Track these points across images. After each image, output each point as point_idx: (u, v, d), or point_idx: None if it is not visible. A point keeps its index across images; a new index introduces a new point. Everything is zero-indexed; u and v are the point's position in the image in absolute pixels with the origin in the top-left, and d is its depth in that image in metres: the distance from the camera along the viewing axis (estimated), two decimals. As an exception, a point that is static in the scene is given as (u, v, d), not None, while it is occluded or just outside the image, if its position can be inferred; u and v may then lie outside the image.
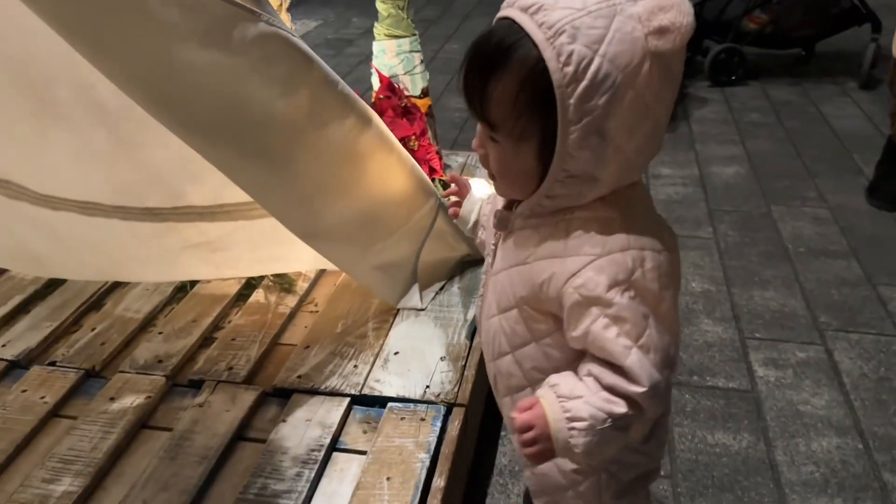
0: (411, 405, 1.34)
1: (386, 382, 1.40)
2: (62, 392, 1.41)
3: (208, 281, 1.72)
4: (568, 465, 0.89)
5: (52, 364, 1.49)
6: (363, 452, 1.26)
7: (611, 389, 0.72)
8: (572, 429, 0.72)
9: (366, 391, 1.38)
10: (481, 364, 1.47)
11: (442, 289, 1.67)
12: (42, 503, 1.17)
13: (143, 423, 1.35)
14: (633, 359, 0.71)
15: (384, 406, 1.35)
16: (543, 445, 0.73)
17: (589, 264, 0.72)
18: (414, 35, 2.09)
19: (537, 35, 0.65)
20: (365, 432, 1.31)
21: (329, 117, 1.34)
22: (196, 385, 1.43)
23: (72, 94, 1.25)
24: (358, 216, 1.46)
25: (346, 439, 1.30)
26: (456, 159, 2.30)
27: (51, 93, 1.24)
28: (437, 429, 1.29)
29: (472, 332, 1.53)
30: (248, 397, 1.38)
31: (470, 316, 1.57)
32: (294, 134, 1.30)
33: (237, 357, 1.48)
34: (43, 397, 1.39)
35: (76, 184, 1.42)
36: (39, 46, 1.19)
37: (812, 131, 2.96)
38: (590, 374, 0.74)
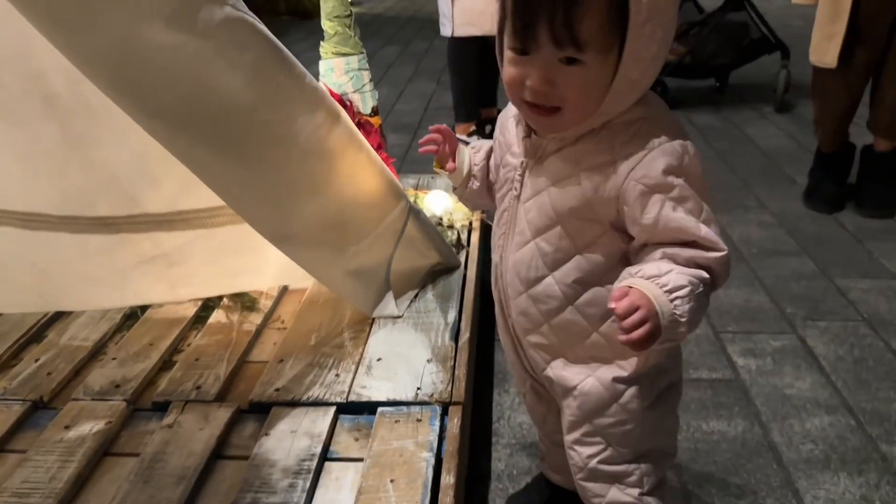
0: (404, 408, 1.25)
1: (373, 388, 1.30)
2: (7, 426, 1.25)
3: (160, 305, 1.59)
4: (611, 374, 0.90)
5: (-7, 397, 1.32)
6: (359, 459, 1.16)
7: (690, 262, 0.77)
8: (675, 299, 0.73)
9: (352, 398, 1.28)
10: (471, 364, 1.40)
11: (416, 296, 1.59)
12: (-4, 541, 1.02)
13: (106, 450, 1.20)
14: (704, 230, 0.77)
15: (374, 412, 1.25)
16: (652, 323, 0.72)
17: (645, 157, 0.77)
18: (362, 53, 2.06)
19: None
20: (357, 440, 1.21)
21: (298, 110, 1.28)
22: (161, 408, 1.29)
23: (21, 84, 1.14)
24: (330, 218, 1.39)
25: (338, 448, 1.19)
26: (408, 181, 2.25)
27: (-3, 82, 1.14)
28: (437, 428, 1.20)
29: (457, 334, 1.46)
30: (222, 414, 1.26)
31: (451, 319, 1.50)
32: (262, 126, 1.23)
33: (204, 376, 1.36)
34: (-16, 433, 1.23)
35: (20, 192, 1.29)
36: (-16, 30, 1.09)
37: (740, 150, 3.07)
38: (664, 257, 0.77)
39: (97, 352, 1.47)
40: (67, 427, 1.23)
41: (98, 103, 1.19)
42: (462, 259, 1.75)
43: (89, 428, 1.23)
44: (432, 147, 1.02)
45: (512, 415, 1.50)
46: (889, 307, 1.85)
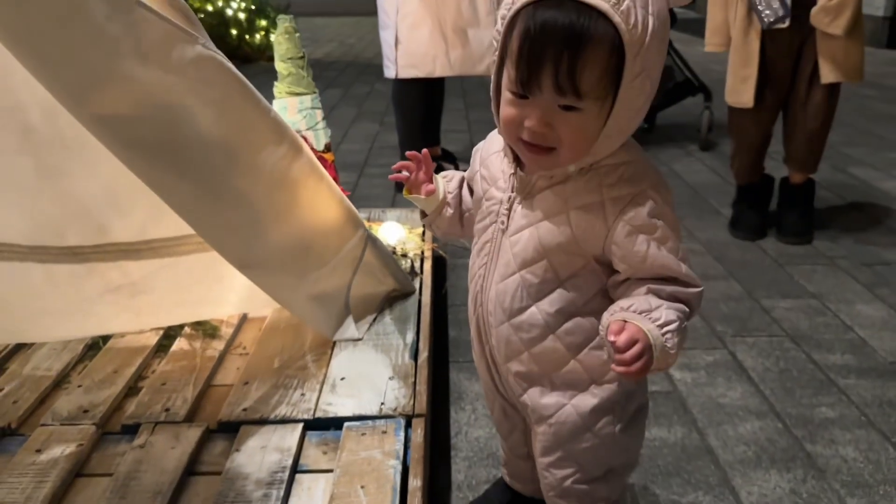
0: (369, 422, 1.32)
1: (338, 405, 1.37)
2: (-25, 453, 1.26)
3: (122, 335, 1.62)
4: (586, 402, 0.95)
5: (-42, 426, 1.33)
6: (329, 470, 1.22)
7: (672, 297, 0.84)
8: (666, 333, 0.80)
9: (319, 414, 1.34)
10: (430, 380, 1.48)
11: (375, 320, 1.67)
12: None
13: (78, 471, 1.23)
14: (684, 268, 0.85)
15: (340, 427, 1.32)
16: (648, 355, 0.79)
17: (632, 200, 0.84)
18: (314, 93, 2.15)
19: (602, 6, 0.73)
20: (325, 453, 1.27)
21: (263, 143, 1.36)
22: (131, 430, 1.33)
23: (-1, 116, 1.19)
24: (292, 245, 1.46)
25: (307, 462, 1.25)
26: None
27: (-24, 116, 1.18)
28: (402, 438, 1.27)
29: (415, 354, 1.53)
30: (192, 434, 1.30)
31: (409, 340, 1.58)
32: (230, 157, 1.31)
33: (171, 399, 1.40)
34: (-47, 459, 1.24)
35: (-10, 223, 1.33)
36: (-34, 66, 1.14)
37: (670, 185, 3.26)
38: (649, 292, 0.84)
39: (61, 380, 1.49)
40: (38, 451, 1.26)
41: (72, 136, 1.26)
42: (416, 285, 1.84)
43: (60, 451, 1.26)
44: (403, 175, 1.06)
45: (469, 430, 1.58)
46: (809, 323, 2.01)
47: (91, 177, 1.28)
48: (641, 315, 0.81)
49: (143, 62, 1.14)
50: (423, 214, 1.13)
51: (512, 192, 0.93)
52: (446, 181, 1.10)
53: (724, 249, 2.53)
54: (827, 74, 2.33)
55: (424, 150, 1.06)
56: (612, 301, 0.92)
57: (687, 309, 0.85)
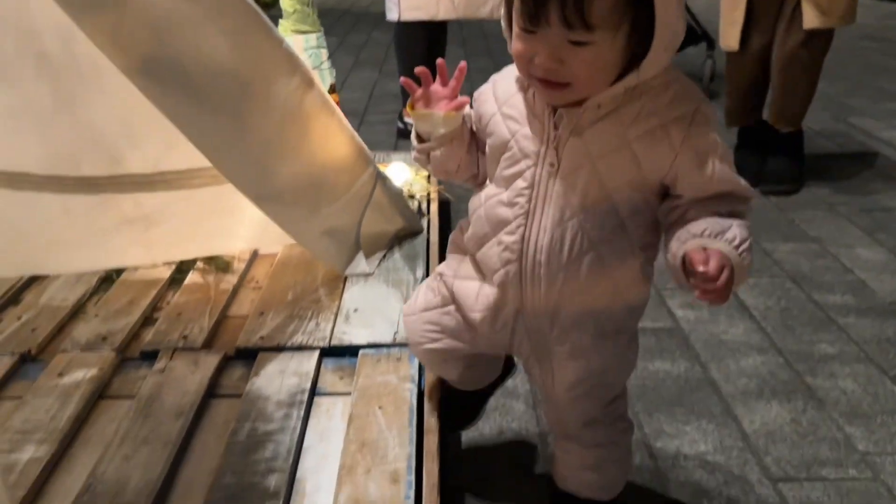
0: (384, 349, 1.35)
1: (353, 333, 1.40)
2: (-2, 376, 1.29)
3: (135, 269, 1.64)
4: (619, 335, 0.98)
5: (-20, 352, 1.36)
6: (346, 393, 1.25)
7: (732, 213, 0.84)
8: (742, 252, 0.81)
9: (335, 342, 1.37)
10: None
11: (385, 256, 1.69)
12: (7, 472, 1.06)
13: (101, 394, 1.26)
14: (737, 177, 0.85)
15: (355, 355, 1.35)
16: (728, 273, 0.79)
17: (693, 121, 0.82)
18: (320, 31, 2.14)
19: None
20: (342, 378, 1.30)
21: (276, 74, 1.36)
22: (149, 357, 1.35)
23: (15, 43, 1.19)
24: (305, 179, 1.47)
25: (325, 385, 1.29)
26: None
27: (-7, 40, 1.18)
28: (416, 365, 1.30)
29: (425, 288, 1.56)
30: (211, 359, 1.33)
31: (419, 275, 1.60)
32: (243, 87, 1.32)
33: (189, 328, 1.42)
34: (-24, 381, 1.27)
35: (7, 151, 1.33)
36: (-17, -10, 1.14)
37: (671, 133, 3.27)
38: (713, 214, 0.84)
39: (78, 310, 1.52)
40: (60, 375, 1.29)
41: (88, 63, 1.26)
42: (424, 225, 1.85)
43: (82, 374, 1.28)
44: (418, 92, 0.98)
45: (477, 363, 1.61)
46: (810, 266, 2.05)
47: (106, 105, 1.28)
48: (717, 238, 0.81)
49: (163, -10, 1.14)
50: (419, 140, 1.02)
51: (555, 129, 0.86)
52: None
53: (725, 195, 2.55)
54: (810, 19, 2.28)
55: (440, 60, 0.97)
56: (658, 234, 0.92)
57: (749, 220, 0.85)
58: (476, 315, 1.00)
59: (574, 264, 0.89)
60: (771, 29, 2.43)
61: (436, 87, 0.98)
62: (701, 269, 0.78)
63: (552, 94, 0.82)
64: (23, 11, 1.15)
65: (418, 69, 0.97)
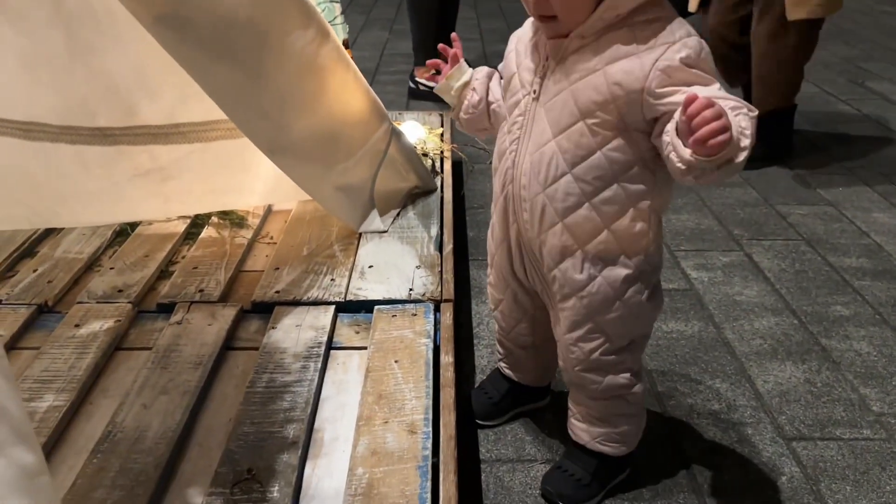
0: (399, 305, 1.35)
1: (368, 289, 1.40)
2: (16, 326, 1.29)
3: (150, 223, 1.64)
4: (619, 274, 0.97)
5: (-2, 303, 1.36)
6: (362, 347, 1.25)
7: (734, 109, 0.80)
8: (738, 113, 0.78)
9: (350, 298, 1.37)
10: (456, 269, 1.51)
11: (399, 214, 1.68)
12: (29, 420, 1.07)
13: (118, 345, 1.27)
14: (731, 98, 0.82)
15: (370, 310, 1.35)
16: (725, 122, 0.76)
17: (668, 49, 0.84)
18: (334, -15, 2.10)
19: None
20: (357, 332, 1.31)
21: (292, 25, 1.34)
22: (166, 309, 1.36)
23: (30, -12, 1.17)
24: (320, 132, 1.46)
25: (341, 339, 1.29)
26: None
27: (8, -15, 1.16)
28: (431, 321, 1.30)
29: (440, 245, 1.55)
30: (228, 312, 1.33)
31: (434, 233, 1.60)
32: (260, 38, 1.29)
33: (205, 281, 1.43)
34: (-5, 330, 1.28)
35: (22, 100, 1.31)
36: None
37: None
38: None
39: (93, 263, 1.52)
40: (77, 325, 1.29)
41: (103, 10, 1.24)
42: (437, 184, 1.84)
43: (99, 326, 1.29)
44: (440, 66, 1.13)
45: (489, 321, 1.61)
46: (825, 228, 2.03)
47: (121, 55, 1.27)
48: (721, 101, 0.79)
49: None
50: (452, 109, 1.15)
51: (546, 60, 0.94)
52: (476, 71, 1.12)
53: (740, 159, 2.53)
54: (791, 10, 2.13)
55: (454, 34, 1.10)
56: (652, 172, 0.93)
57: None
58: (493, 249, 1.12)
59: (552, 189, 0.95)
60: (733, 8, 2.34)
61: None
62: (688, 104, 0.76)
63: (545, 26, 0.91)
64: (36, -44, 1.13)
65: (440, 46, 1.12)
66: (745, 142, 0.78)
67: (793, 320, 1.63)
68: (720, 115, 0.76)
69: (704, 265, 1.86)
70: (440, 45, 1.12)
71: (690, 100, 0.76)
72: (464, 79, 1.12)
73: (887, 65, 3.64)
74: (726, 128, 0.76)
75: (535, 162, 0.95)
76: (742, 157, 0.79)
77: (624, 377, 1.06)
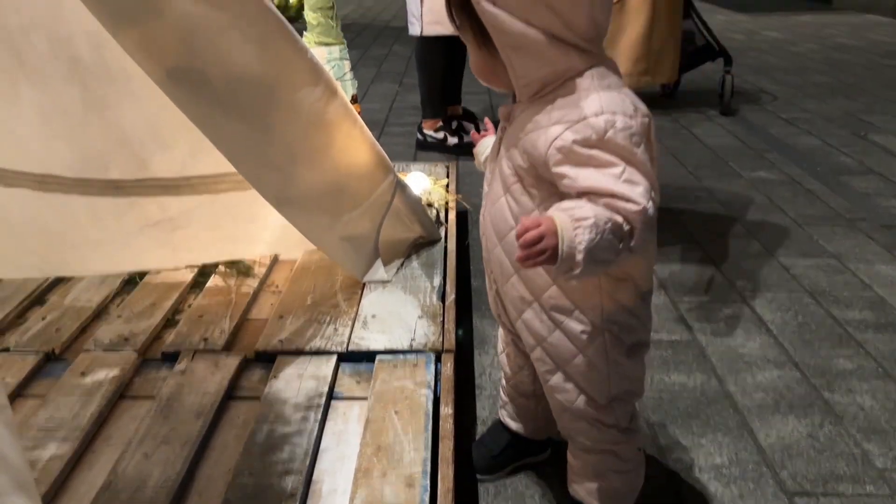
0: (400, 355, 1.36)
1: (370, 339, 1.41)
2: (23, 374, 1.31)
3: (158, 272, 1.67)
4: (575, 328, 0.98)
5: (6, 350, 1.38)
6: (363, 398, 1.26)
7: (608, 206, 0.82)
8: (578, 226, 0.80)
9: (352, 347, 1.39)
10: (460, 319, 1.52)
11: (402, 264, 1.71)
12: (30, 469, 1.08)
13: (122, 393, 1.29)
14: (622, 186, 0.83)
15: (372, 360, 1.36)
16: (547, 242, 0.80)
17: (567, 129, 0.85)
18: (343, 43, 2.17)
19: None
20: (358, 382, 1.32)
21: (301, 82, 1.38)
22: (170, 358, 1.38)
23: (49, 46, 1.22)
24: (327, 185, 1.50)
25: (342, 390, 1.30)
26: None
27: (28, 43, 1.21)
28: (432, 371, 1.32)
29: (442, 295, 1.57)
30: (231, 362, 1.35)
31: (437, 283, 1.62)
32: (269, 94, 1.34)
33: (209, 330, 1.45)
34: (3, 378, 1.29)
35: (38, 154, 1.36)
36: (21, -6, 1.17)
37: (689, 148, 3.28)
38: (588, 199, 0.84)
39: (101, 311, 1.54)
40: (83, 374, 1.31)
41: (118, 68, 1.29)
42: (442, 234, 1.87)
43: (104, 374, 1.31)
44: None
45: (492, 371, 1.62)
46: (828, 281, 2.04)
47: (135, 110, 1.31)
48: (564, 210, 0.82)
49: (193, -2, 1.16)
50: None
51: (505, 121, 0.99)
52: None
53: (743, 210, 2.55)
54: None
55: (487, 120, 1.18)
56: None
57: (619, 219, 0.82)
58: (488, 290, 1.12)
59: (505, 243, 0.98)
60: None
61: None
62: (519, 228, 0.81)
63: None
64: (57, 16, 1.18)
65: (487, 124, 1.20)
66: (579, 256, 0.80)
67: (795, 373, 1.63)
68: (542, 237, 0.80)
69: (707, 317, 1.86)
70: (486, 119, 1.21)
71: (522, 226, 0.81)
72: (484, 157, 1.16)
73: (890, 117, 3.68)
74: (547, 248, 0.80)
75: (493, 216, 1.00)
76: (582, 267, 0.81)
77: (611, 432, 1.06)
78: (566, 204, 0.84)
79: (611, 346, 0.99)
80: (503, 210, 0.97)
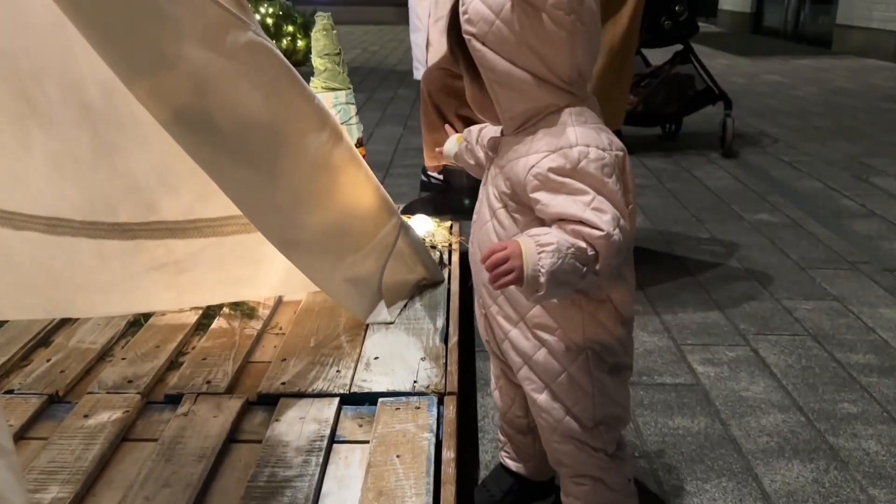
0: (403, 398, 1.37)
1: (373, 381, 1.41)
2: (26, 416, 1.32)
3: (163, 314, 1.68)
4: (558, 346, 1.01)
5: (10, 392, 1.39)
6: (364, 441, 1.26)
7: (574, 232, 0.88)
8: (542, 251, 0.86)
9: (354, 390, 1.39)
10: (461, 361, 1.52)
11: (406, 306, 1.72)
12: (31, 511, 1.08)
13: (125, 436, 1.29)
14: (589, 213, 0.88)
15: (374, 403, 1.36)
16: (512, 263, 0.86)
17: (544, 158, 0.91)
18: (349, 88, 2.21)
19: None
20: (361, 426, 1.32)
21: (308, 128, 1.41)
22: (174, 400, 1.38)
23: (60, 92, 1.25)
24: (331, 227, 1.51)
25: (344, 433, 1.30)
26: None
27: (40, 89, 1.24)
28: (434, 414, 1.32)
29: (446, 338, 1.58)
30: (233, 405, 1.35)
31: (440, 325, 1.62)
32: (276, 139, 1.36)
33: (213, 372, 1.45)
34: (7, 421, 1.29)
35: (47, 197, 1.38)
36: (33, 41, 1.20)
37: (691, 190, 3.30)
38: (557, 226, 0.90)
39: (105, 353, 1.55)
40: (86, 416, 1.31)
41: (128, 114, 1.32)
42: (445, 276, 1.88)
43: (107, 416, 1.31)
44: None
45: (495, 414, 1.61)
46: (831, 324, 2.04)
47: (144, 155, 1.34)
48: (531, 236, 0.88)
49: (200, 44, 1.20)
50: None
51: (494, 147, 1.05)
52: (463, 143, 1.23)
53: (746, 252, 2.56)
54: None
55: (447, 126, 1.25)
56: None
57: (583, 245, 0.87)
58: (476, 315, 1.16)
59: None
60: None
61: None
62: (485, 252, 0.88)
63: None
64: (69, 63, 1.21)
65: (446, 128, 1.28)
66: (542, 279, 0.86)
67: (800, 417, 1.62)
68: (508, 259, 0.86)
69: (710, 360, 1.86)
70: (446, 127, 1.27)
71: (489, 249, 0.87)
72: (454, 145, 1.23)
73: (891, 161, 3.71)
74: (512, 269, 0.86)
75: (480, 240, 1.05)
76: (545, 289, 0.86)
77: (599, 457, 1.07)
78: (534, 231, 0.90)
79: (593, 364, 1.03)
80: (489, 233, 1.02)
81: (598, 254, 0.88)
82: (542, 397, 1.06)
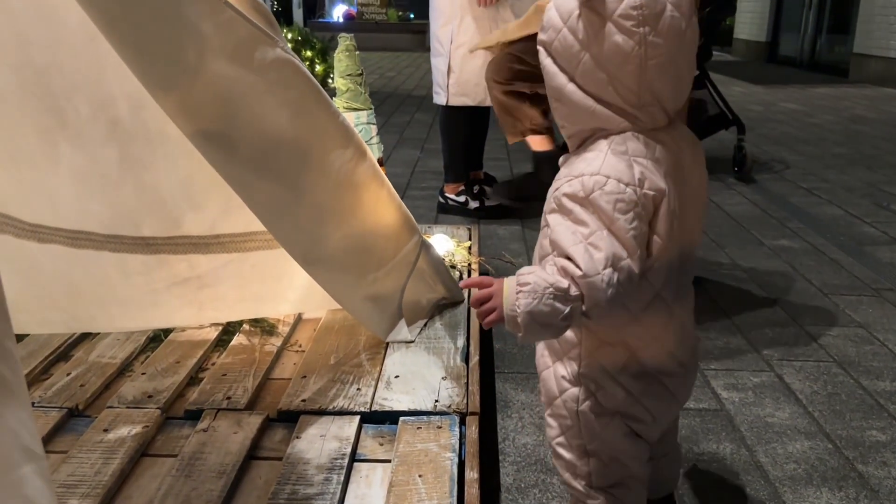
0: (424, 417, 1.35)
1: (394, 400, 1.40)
2: (46, 429, 1.31)
3: (183, 329, 1.67)
4: (559, 371, 1.03)
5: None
6: (386, 460, 1.24)
7: (561, 270, 0.86)
8: (520, 291, 0.86)
9: (375, 408, 1.37)
10: (482, 382, 1.51)
11: (426, 324, 1.70)
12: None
13: (144, 451, 1.27)
14: (579, 249, 0.85)
15: (395, 421, 1.34)
16: (494, 302, 0.89)
17: (567, 182, 0.90)
18: (370, 108, 2.22)
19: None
20: (382, 444, 1.30)
21: (332, 145, 1.41)
22: (193, 416, 1.37)
23: (90, 108, 1.26)
24: (353, 245, 1.51)
25: (365, 451, 1.28)
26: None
27: (70, 104, 1.25)
28: (457, 433, 1.30)
29: (466, 357, 1.56)
30: (253, 421, 1.34)
31: (461, 344, 1.61)
32: (301, 156, 1.37)
33: (233, 388, 1.44)
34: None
35: (72, 211, 1.39)
36: (64, 56, 1.21)
37: (710, 215, 3.28)
38: (549, 262, 0.89)
39: (125, 368, 1.54)
40: (106, 430, 1.30)
41: (156, 129, 1.32)
42: (465, 295, 1.87)
43: (127, 431, 1.30)
44: None
45: (516, 436, 1.59)
46: (857, 350, 2.01)
47: (170, 170, 1.34)
48: (519, 274, 0.89)
49: (228, 60, 1.21)
50: None
51: None
52: None
53: (768, 278, 2.53)
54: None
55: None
56: None
57: (564, 285, 0.85)
58: None
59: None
60: None
61: None
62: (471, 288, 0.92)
63: None
64: (100, 79, 1.22)
65: None
66: (519, 319, 0.86)
67: (827, 444, 1.59)
68: (490, 297, 0.90)
69: (735, 385, 1.83)
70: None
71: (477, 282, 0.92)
72: None
73: (912, 188, 3.68)
74: (493, 308, 0.89)
75: (537, 252, 1.02)
76: (524, 329, 0.87)
77: (580, 483, 1.07)
78: (524, 269, 0.90)
79: (582, 399, 1.02)
80: (538, 248, 1.01)
81: (582, 294, 0.85)
82: (546, 412, 1.08)
